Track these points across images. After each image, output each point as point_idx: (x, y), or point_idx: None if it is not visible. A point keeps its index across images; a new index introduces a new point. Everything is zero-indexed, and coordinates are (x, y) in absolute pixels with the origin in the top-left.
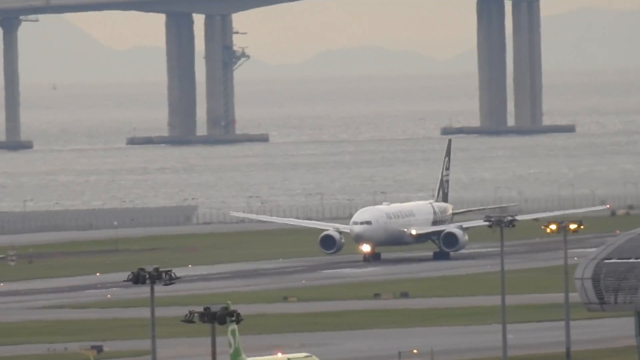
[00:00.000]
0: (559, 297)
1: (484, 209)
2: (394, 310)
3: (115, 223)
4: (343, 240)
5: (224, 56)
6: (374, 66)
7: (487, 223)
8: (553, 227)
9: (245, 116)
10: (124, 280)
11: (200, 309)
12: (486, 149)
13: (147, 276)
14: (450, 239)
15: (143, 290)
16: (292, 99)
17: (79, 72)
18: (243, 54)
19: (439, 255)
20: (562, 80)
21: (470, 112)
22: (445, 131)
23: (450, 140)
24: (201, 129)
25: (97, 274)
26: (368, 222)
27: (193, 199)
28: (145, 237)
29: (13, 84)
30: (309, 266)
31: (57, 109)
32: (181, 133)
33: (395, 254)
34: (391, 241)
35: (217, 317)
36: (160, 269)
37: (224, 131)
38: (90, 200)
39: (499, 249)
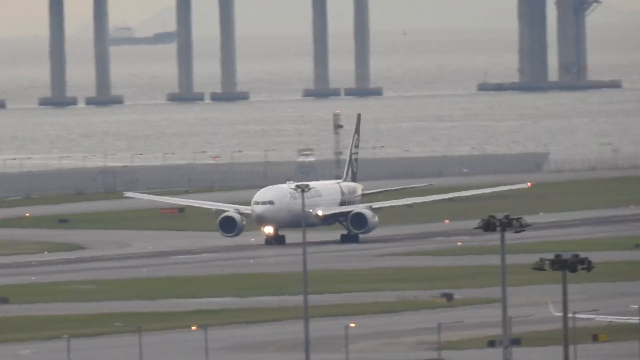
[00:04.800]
0: None
1: (395, 189)
2: None
3: (465, 170)
4: (244, 222)
5: (575, 2)
6: None
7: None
8: None
9: (597, 62)
10: (474, 228)
11: (551, 256)
12: None
13: (498, 223)
14: (359, 220)
15: (493, 238)
16: None
17: (429, 17)
18: (595, 0)
19: (347, 238)
20: None
21: None
22: None
23: (359, 115)
24: (552, 75)
25: (446, 221)
26: (270, 202)
27: (544, 145)
28: (495, 184)
29: (363, 31)
30: None
31: (407, 54)
32: (532, 79)
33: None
34: (295, 223)
35: (568, 265)
36: (511, 216)
37: (575, 77)
38: (442, 147)
39: None
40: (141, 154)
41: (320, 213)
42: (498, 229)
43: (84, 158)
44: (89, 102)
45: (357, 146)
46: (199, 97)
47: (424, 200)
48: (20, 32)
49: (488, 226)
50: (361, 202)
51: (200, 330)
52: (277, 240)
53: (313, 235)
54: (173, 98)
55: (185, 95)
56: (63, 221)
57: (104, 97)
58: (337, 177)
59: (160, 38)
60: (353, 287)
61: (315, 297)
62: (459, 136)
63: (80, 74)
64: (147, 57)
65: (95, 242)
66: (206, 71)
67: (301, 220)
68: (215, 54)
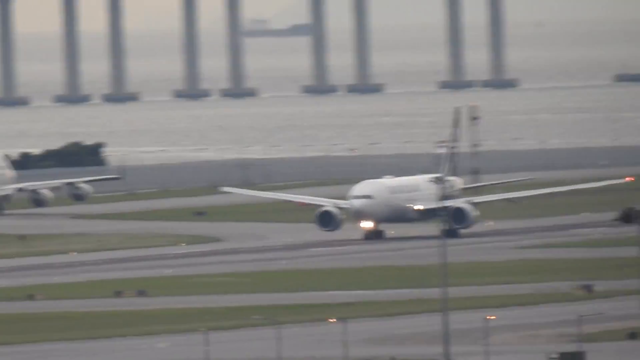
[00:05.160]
0: None
1: (495, 184)
2: None
3: (604, 162)
4: (343, 217)
5: None
6: None
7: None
8: None
9: None
10: (613, 219)
11: None
12: None
13: (637, 215)
14: (459, 215)
15: (632, 230)
16: None
17: (564, 9)
18: None
19: (448, 233)
20: None
21: None
22: None
23: (457, 109)
24: None
25: (585, 212)
26: (369, 197)
27: None
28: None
29: (499, 22)
30: None
31: (543, 46)
32: None
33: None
34: (394, 217)
35: None
36: None
37: None
38: (580, 138)
39: None
40: (277, 146)
41: (419, 207)
42: (637, 220)
43: (219, 150)
44: (224, 94)
45: (456, 139)
46: (334, 89)
47: (523, 195)
48: (152, 25)
49: (627, 218)
50: (460, 196)
51: (338, 323)
52: (375, 235)
53: (411, 231)
54: (308, 90)
55: (319, 87)
56: (199, 214)
57: (238, 90)
58: (474, 170)
59: (296, 30)
60: (491, 280)
61: (453, 289)
62: (597, 128)
63: (214, 67)
64: (283, 49)
65: (231, 234)
66: (341, 63)
67: (399, 215)
68: (350, 46)
